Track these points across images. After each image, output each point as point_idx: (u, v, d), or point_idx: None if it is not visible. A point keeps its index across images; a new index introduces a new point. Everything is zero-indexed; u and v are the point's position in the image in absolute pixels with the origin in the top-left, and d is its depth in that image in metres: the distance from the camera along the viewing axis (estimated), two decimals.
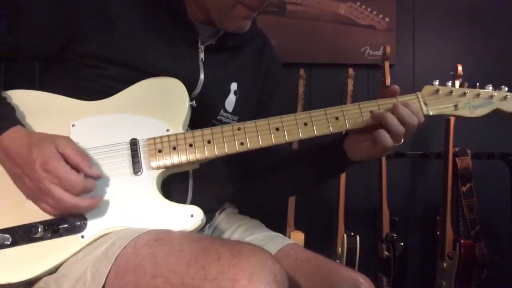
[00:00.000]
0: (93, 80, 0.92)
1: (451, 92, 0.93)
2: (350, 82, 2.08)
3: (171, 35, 0.98)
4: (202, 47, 1.01)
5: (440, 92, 0.93)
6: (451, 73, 1.88)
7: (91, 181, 0.80)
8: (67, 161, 0.79)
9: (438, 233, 1.96)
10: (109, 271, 0.72)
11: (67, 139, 0.82)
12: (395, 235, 1.94)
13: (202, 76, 1.00)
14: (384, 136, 0.86)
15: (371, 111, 0.90)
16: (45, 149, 0.78)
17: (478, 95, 0.94)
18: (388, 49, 2.00)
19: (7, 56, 0.95)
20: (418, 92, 0.93)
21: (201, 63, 1.00)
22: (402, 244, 1.91)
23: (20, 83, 0.91)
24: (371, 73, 2.22)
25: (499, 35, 2.26)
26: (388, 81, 1.96)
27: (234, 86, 1.07)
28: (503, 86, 0.95)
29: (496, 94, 0.94)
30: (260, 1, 0.94)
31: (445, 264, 1.92)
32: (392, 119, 0.86)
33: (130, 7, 0.95)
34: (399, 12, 2.22)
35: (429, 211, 2.18)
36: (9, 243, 0.80)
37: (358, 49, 2.21)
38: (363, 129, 0.90)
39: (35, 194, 0.79)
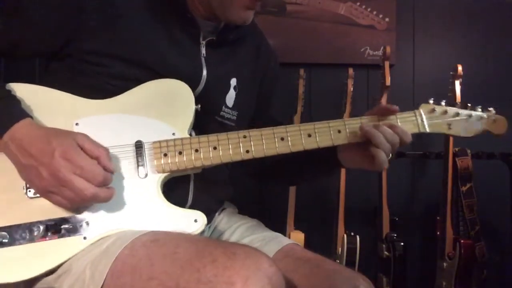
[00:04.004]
0: (95, 77, 0.91)
1: (445, 111, 1.00)
2: (350, 82, 2.07)
3: (174, 31, 0.97)
4: (204, 43, 1.01)
5: (436, 111, 0.99)
6: (451, 73, 1.88)
7: (109, 174, 0.80)
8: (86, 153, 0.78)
9: (438, 233, 1.96)
10: (108, 271, 0.72)
11: (85, 134, 0.81)
12: (395, 235, 1.94)
13: (204, 72, 0.99)
14: (380, 153, 0.91)
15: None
16: (64, 139, 0.77)
17: (470, 116, 1.00)
18: (388, 49, 1.99)
19: (7, 54, 0.95)
20: (415, 110, 0.99)
21: (203, 59, 1.00)
22: (402, 244, 1.90)
23: (19, 79, 0.90)
24: (371, 73, 2.22)
25: (499, 35, 2.26)
26: (388, 81, 1.95)
27: (234, 81, 1.07)
28: (491, 108, 1.02)
29: (486, 116, 1.01)
30: None
31: (445, 264, 1.91)
32: (381, 137, 0.91)
33: (132, 4, 0.94)
34: (399, 12, 2.22)
35: (429, 211, 2.18)
36: (6, 241, 0.79)
37: (358, 49, 2.21)
38: (358, 143, 0.95)
39: (51, 185, 0.76)
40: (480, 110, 1.01)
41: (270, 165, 1.11)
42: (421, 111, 0.99)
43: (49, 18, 0.90)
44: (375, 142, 0.91)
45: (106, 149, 0.82)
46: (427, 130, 0.98)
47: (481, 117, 1.01)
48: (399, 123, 0.96)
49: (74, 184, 0.75)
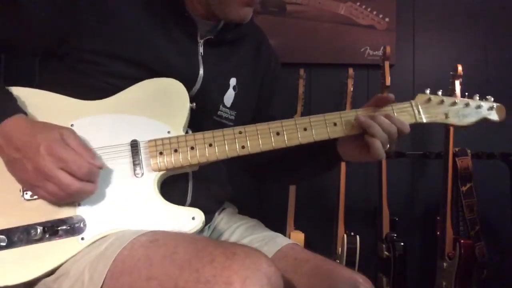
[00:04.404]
0: (93, 76, 0.91)
1: (442, 101, 0.98)
2: (350, 82, 2.08)
3: (171, 30, 0.97)
4: (201, 42, 1.00)
5: (432, 100, 0.98)
6: (451, 73, 1.88)
7: (94, 167, 0.80)
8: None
9: (438, 233, 1.96)
10: (107, 272, 0.72)
11: (72, 130, 0.82)
12: (395, 235, 1.94)
13: (201, 71, 0.99)
14: (375, 142, 0.90)
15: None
16: (49, 134, 0.78)
17: (467, 104, 0.99)
18: (388, 49, 2.00)
19: (5, 50, 0.95)
20: (412, 100, 0.98)
21: (200, 58, 1.00)
22: (402, 244, 1.91)
23: (19, 79, 0.90)
24: (371, 73, 2.22)
25: (499, 35, 2.26)
26: (388, 81, 1.96)
27: (233, 81, 1.06)
28: (489, 96, 1.01)
29: (483, 104, 1.00)
30: None
31: (445, 264, 1.91)
32: (376, 127, 0.90)
33: (129, 2, 0.94)
34: (399, 12, 2.22)
35: (429, 211, 2.18)
36: (4, 244, 0.79)
37: (358, 49, 2.21)
38: (356, 135, 0.95)
39: (35, 179, 0.77)
40: (478, 98, 1.00)
41: (269, 162, 1.10)
42: (417, 101, 0.98)
43: (46, 17, 0.90)
44: (370, 132, 0.90)
45: (89, 147, 0.83)
46: (424, 120, 0.97)
47: (479, 105, 0.99)
48: (395, 114, 0.95)
49: (59, 179, 0.76)
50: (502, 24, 2.26)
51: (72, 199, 0.80)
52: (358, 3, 2.21)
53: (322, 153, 1.03)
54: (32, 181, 0.78)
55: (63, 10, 0.90)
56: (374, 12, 2.21)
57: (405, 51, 2.25)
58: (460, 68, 1.85)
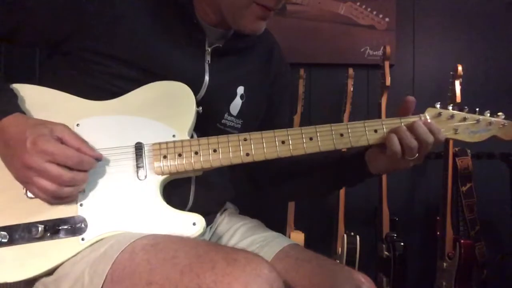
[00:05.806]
0: (96, 76, 0.90)
1: (452, 116, 0.96)
2: (350, 82, 2.08)
3: (178, 36, 0.96)
4: (209, 50, 0.99)
5: (442, 115, 0.95)
6: (451, 73, 1.88)
7: (87, 157, 0.80)
8: (66, 145, 0.78)
9: (438, 233, 1.96)
10: (107, 274, 0.72)
11: (64, 125, 0.81)
12: (395, 235, 1.94)
13: (207, 78, 0.98)
14: (394, 141, 0.88)
15: (375, 130, 0.92)
16: (38, 130, 0.77)
17: (477, 121, 0.97)
18: (388, 49, 2.00)
19: (7, 38, 0.94)
20: (421, 114, 0.95)
21: (207, 66, 0.99)
22: (402, 244, 1.91)
23: (19, 75, 0.90)
24: (371, 73, 2.23)
25: (499, 35, 2.26)
26: (388, 81, 1.96)
27: (241, 89, 1.05)
28: (500, 113, 0.99)
29: (494, 122, 0.97)
30: (276, 0, 0.91)
31: (445, 264, 1.92)
32: (405, 132, 0.88)
33: (136, 6, 0.93)
34: (399, 12, 2.22)
35: (429, 211, 2.18)
36: (6, 240, 0.79)
37: (358, 49, 2.21)
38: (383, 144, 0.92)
39: (26, 175, 0.77)
40: (488, 115, 0.98)
41: (287, 165, 1.07)
42: (427, 115, 0.95)
43: (49, 14, 0.90)
44: (398, 135, 0.88)
45: (84, 140, 0.82)
46: None
47: (490, 122, 0.97)
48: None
49: (48, 171, 0.75)
50: (502, 24, 2.26)
51: (66, 194, 0.79)
52: (358, 3, 2.21)
53: (351, 163, 0.99)
54: (23, 178, 0.78)
55: (68, 9, 0.90)
56: (374, 12, 2.21)
57: (405, 51, 2.25)
58: (460, 68, 1.85)
